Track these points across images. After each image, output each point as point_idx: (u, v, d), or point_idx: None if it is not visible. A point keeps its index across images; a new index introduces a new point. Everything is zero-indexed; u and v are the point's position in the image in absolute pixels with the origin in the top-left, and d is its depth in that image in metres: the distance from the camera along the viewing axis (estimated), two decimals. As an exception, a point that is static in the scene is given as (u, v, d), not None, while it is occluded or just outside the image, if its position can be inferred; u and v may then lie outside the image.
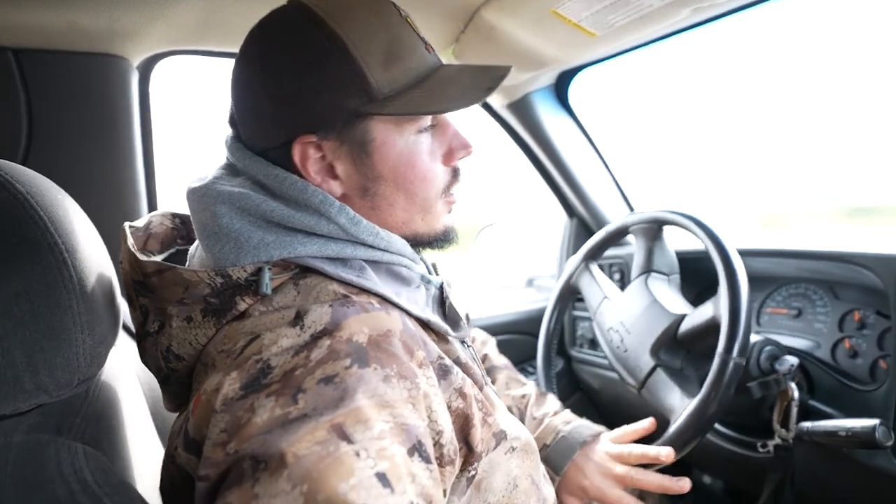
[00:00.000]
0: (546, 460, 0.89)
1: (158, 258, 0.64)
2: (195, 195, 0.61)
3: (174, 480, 0.54)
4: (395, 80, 0.60)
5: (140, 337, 0.61)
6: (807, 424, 0.92)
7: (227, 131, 0.68)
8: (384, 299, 0.60)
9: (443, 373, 0.59)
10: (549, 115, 1.55)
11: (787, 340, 1.17)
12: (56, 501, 0.46)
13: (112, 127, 1.01)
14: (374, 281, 0.60)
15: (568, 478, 0.89)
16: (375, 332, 0.53)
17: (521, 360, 1.81)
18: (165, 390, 0.64)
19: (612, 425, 0.97)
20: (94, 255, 0.57)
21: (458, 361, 0.64)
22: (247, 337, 0.53)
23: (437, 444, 0.53)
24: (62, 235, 0.51)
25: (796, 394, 0.94)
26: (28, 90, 0.93)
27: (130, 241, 0.62)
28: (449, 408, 0.57)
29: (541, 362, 1.27)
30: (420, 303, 0.64)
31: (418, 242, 0.69)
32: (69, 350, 0.51)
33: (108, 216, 0.97)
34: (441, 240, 0.70)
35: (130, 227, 0.65)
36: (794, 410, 0.93)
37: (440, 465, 0.53)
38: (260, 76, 0.60)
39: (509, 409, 0.96)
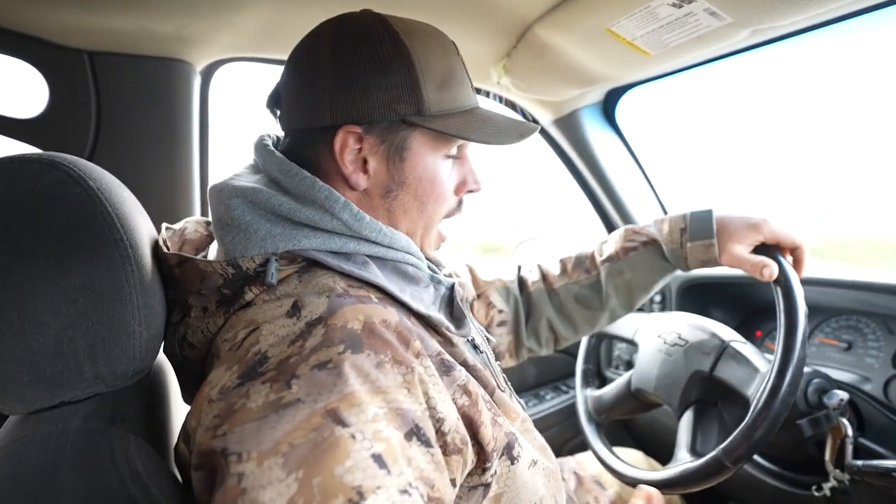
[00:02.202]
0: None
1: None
2: (214, 191, 0.65)
3: (181, 475, 0.56)
4: (444, 103, 0.65)
5: (164, 328, 0.64)
6: (858, 463, 0.89)
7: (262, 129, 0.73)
8: (385, 294, 0.61)
9: (445, 368, 0.59)
10: (595, 131, 1.54)
11: (835, 374, 1.13)
12: (108, 489, 0.47)
13: (173, 128, 1.05)
14: (375, 274, 0.62)
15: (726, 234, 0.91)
16: (370, 320, 0.55)
17: (558, 377, 1.80)
18: (181, 381, 0.67)
19: (646, 448, 0.95)
20: (151, 252, 0.60)
21: (464, 364, 0.65)
22: (247, 328, 0.55)
23: (440, 432, 0.53)
24: (127, 232, 0.54)
25: (850, 431, 0.90)
26: (99, 90, 0.98)
27: (161, 237, 0.66)
28: (454, 403, 0.57)
29: (579, 382, 1.26)
30: (426, 301, 0.65)
31: None
32: (127, 342, 0.53)
33: (162, 214, 1.00)
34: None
35: (167, 227, 0.70)
36: (849, 449, 0.89)
37: (445, 453, 0.54)
38: (327, 61, 0.63)
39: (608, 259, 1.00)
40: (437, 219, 0.71)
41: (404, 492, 0.44)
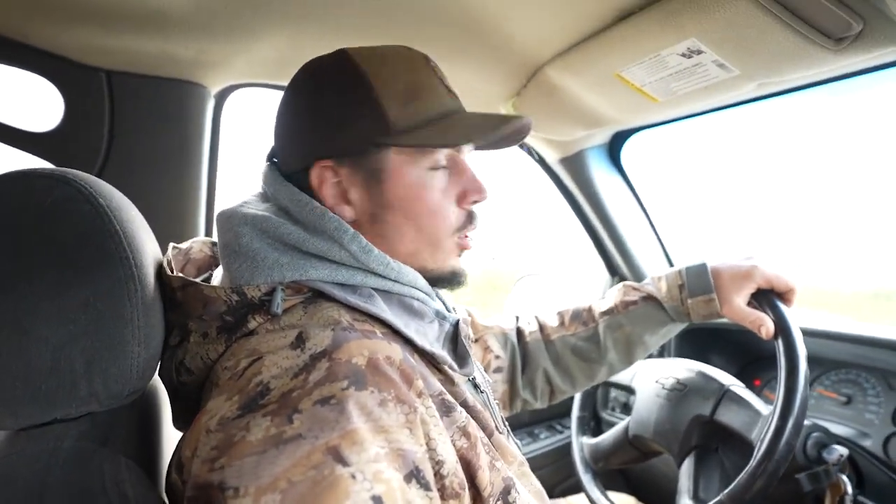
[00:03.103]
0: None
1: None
2: (222, 217, 0.65)
3: None
4: (412, 117, 0.64)
5: (161, 351, 0.63)
6: None
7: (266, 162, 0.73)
8: (390, 329, 0.61)
9: (445, 409, 0.58)
10: (600, 172, 1.55)
11: (834, 428, 1.11)
12: None
13: (184, 150, 1.06)
14: (381, 308, 0.61)
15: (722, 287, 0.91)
16: (374, 356, 0.54)
17: (552, 416, 1.77)
18: (174, 406, 0.66)
19: (639, 493, 0.94)
20: (154, 272, 0.59)
21: (464, 404, 0.64)
22: (249, 357, 0.54)
23: (439, 475, 0.52)
24: (133, 250, 0.54)
25: (849, 488, 0.88)
26: (113, 109, 0.99)
27: (167, 258, 0.66)
28: (453, 445, 0.56)
29: (574, 429, 1.24)
30: (430, 336, 0.64)
31: (426, 278, 0.69)
32: (125, 362, 0.52)
33: (168, 234, 1.00)
34: (448, 279, 0.71)
35: (174, 247, 0.70)
36: None
37: (442, 497, 0.52)
38: (298, 105, 0.67)
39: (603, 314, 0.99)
40: (441, 234, 0.68)
41: None
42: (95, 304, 0.50)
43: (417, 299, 0.67)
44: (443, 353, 0.63)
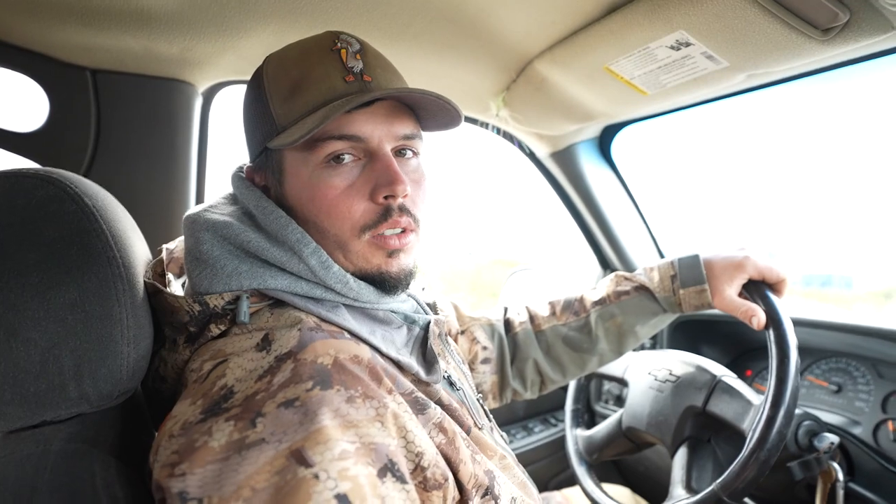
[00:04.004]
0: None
1: (176, 283, 0.67)
2: (187, 221, 0.64)
3: None
4: (293, 112, 0.61)
5: (151, 351, 0.63)
6: None
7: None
8: (355, 336, 0.60)
9: (419, 407, 0.58)
10: (591, 166, 1.56)
11: (825, 416, 1.12)
12: None
13: (171, 148, 1.05)
14: (345, 318, 0.61)
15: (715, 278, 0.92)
16: (341, 355, 0.53)
17: (547, 410, 1.78)
18: (152, 413, 0.66)
19: (633, 485, 0.94)
20: (143, 271, 0.59)
21: (439, 402, 0.63)
22: (214, 360, 0.54)
23: (419, 468, 0.52)
24: (120, 250, 0.53)
25: (840, 476, 0.90)
26: (100, 107, 0.98)
27: (154, 260, 0.66)
28: (431, 440, 0.56)
29: (568, 422, 1.25)
30: (397, 343, 0.64)
31: (363, 280, 0.64)
32: (114, 362, 0.52)
33: (157, 233, 1.00)
34: (378, 281, 0.64)
35: (165, 248, 0.70)
36: (840, 494, 0.89)
37: (425, 489, 0.52)
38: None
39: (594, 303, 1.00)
40: (344, 234, 0.62)
41: None
42: (83, 305, 0.50)
43: (382, 309, 0.66)
44: (409, 361, 0.62)
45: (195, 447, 0.45)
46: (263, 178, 0.67)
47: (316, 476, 0.43)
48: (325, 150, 0.60)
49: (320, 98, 0.60)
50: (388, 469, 0.47)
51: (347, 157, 0.61)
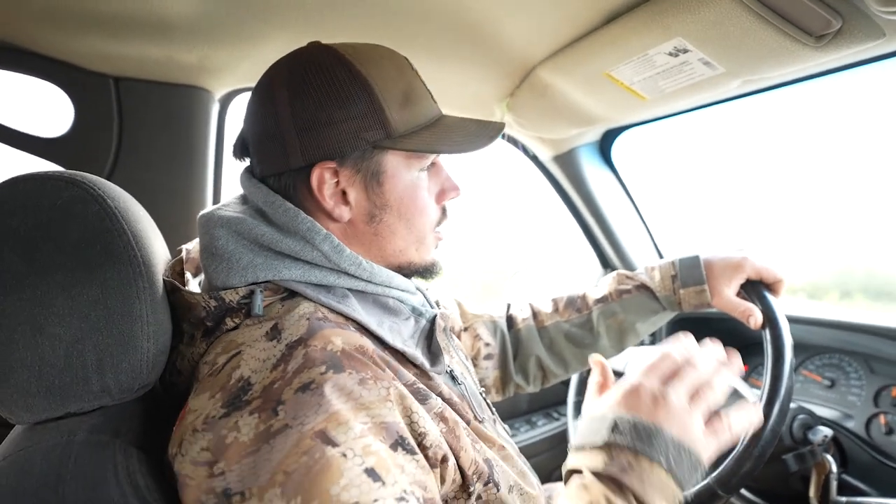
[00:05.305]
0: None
1: (193, 281, 0.69)
2: (202, 220, 0.67)
3: None
4: (409, 121, 0.66)
5: (170, 347, 0.65)
6: (842, 499, 0.91)
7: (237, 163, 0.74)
8: (362, 327, 0.62)
9: (420, 397, 0.60)
10: (592, 169, 1.59)
11: (819, 410, 1.15)
12: (109, 502, 0.48)
13: (190, 152, 1.09)
14: (354, 308, 0.63)
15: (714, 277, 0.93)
16: (349, 344, 0.56)
17: (550, 404, 1.81)
18: (168, 405, 0.67)
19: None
20: (162, 270, 0.62)
21: (440, 395, 0.65)
22: (227, 353, 0.56)
23: (422, 446, 0.54)
24: (141, 249, 0.55)
25: (834, 467, 0.92)
26: (122, 113, 1.02)
27: (174, 259, 0.68)
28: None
29: (570, 413, 1.28)
30: (404, 334, 0.67)
31: (410, 271, 0.73)
32: (135, 357, 0.54)
33: (175, 234, 1.03)
34: (429, 271, 0.74)
35: (185, 249, 0.72)
36: (834, 485, 0.92)
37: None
38: (285, 103, 0.63)
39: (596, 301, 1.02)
40: (426, 231, 0.72)
41: (401, 499, 0.46)
42: (105, 302, 0.52)
43: (393, 297, 0.70)
44: (415, 352, 0.65)
45: (226, 444, 0.47)
46: (336, 174, 0.65)
47: (344, 455, 0.46)
48: (425, 161, 0.70)
49: (428, 114, 0.69)
50: (398, 443, 0.50)
51: (428, 166, 0.71)
